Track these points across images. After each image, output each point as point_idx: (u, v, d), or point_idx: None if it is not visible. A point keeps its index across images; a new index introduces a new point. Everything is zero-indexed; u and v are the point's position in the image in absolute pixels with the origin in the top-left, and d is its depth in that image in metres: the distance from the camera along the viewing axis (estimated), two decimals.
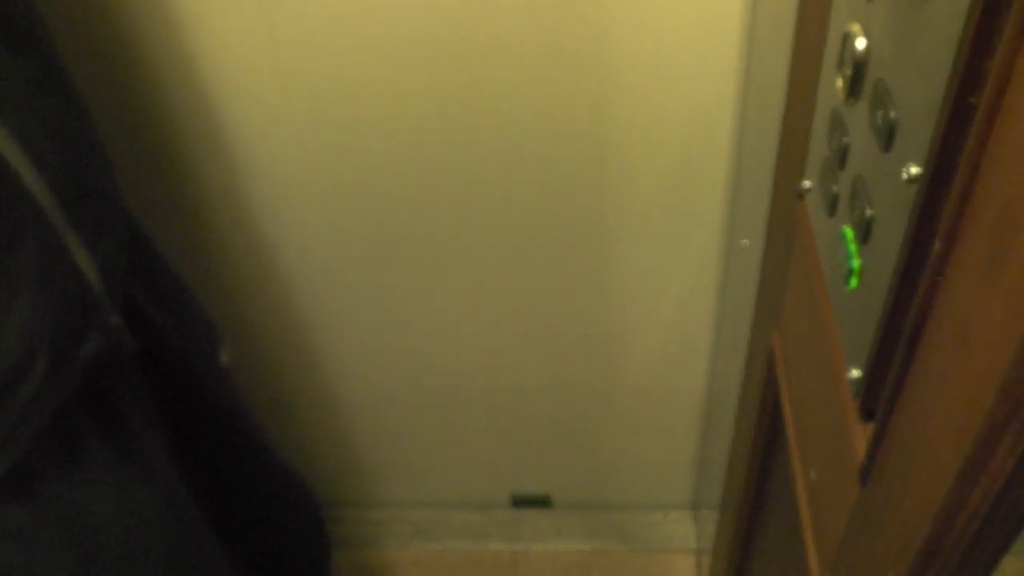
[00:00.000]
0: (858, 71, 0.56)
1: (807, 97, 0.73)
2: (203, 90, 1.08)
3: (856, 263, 0.57)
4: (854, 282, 0.58)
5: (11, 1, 0.71)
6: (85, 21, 1.03)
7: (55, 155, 0.72)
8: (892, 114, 0.49)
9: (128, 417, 0.84)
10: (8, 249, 0.68)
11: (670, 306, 1.33)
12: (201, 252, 1.28)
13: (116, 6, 1.02)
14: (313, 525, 1.32)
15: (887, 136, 0.50)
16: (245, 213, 1.23)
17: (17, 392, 0.70)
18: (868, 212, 0.54)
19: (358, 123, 1.12)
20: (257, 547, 1.20)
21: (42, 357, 0.71)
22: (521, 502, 1.74)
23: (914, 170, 0.46)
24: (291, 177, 1.19)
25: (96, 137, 0.82)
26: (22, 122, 0.69)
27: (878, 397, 0.55)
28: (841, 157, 0.61)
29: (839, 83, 0.60)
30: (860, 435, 0.59)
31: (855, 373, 0.58)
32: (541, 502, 1.73)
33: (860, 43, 0.56)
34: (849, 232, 0.59)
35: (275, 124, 1.12)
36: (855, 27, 0.57)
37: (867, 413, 0.58)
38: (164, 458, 0.90)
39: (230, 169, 1.18)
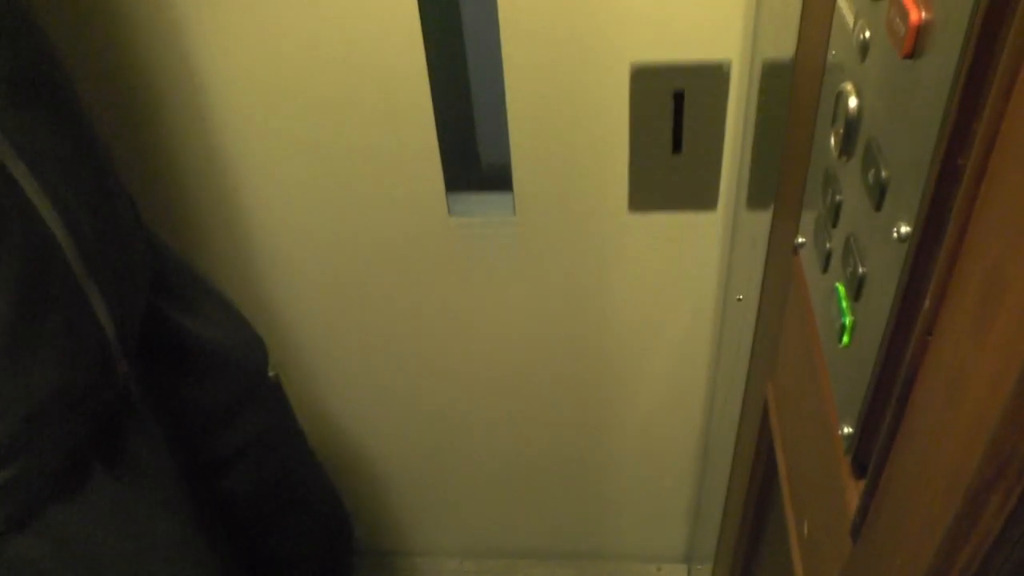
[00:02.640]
0: (850, 130, 0.57)
1: (802, 153, 0.74)
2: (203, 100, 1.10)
3: (848, 320, 0.58)
4: (846, 339, 0.58)
5: (48, 70, 0.75)
6: (87, 27, 1.05)
7: (84, 217, 0.74)
8: (883, 173, 0.50)
9: (137, 450, 0.85)
10: (39, 301, 0.70)
11: (666, 358, 1.33)
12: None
13: (118, 10, 1.04)
14: (341, 521, 1.32)
15: (878, 194, 0.51)
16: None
17: (36, 444, 0.72)
18: (860, 269, 0.55)
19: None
20: (287, 547, 1.21)
21: (62, 411, 0.73)
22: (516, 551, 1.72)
23: (904, 229, 0.46)
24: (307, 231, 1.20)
25: (123, 199, 0.85)
26: (56, 184, 0.71)
27: (870, 453, 0.55)
28: (834, 214, 0.61)
29: (832, 141, 0.61)
30: (852, 491, 0.59)
31: (847, 429, 0.58)
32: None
33: (852, 102, 0.57)
34: (842, 289, 0.59)
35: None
36: (848, 86, 0.58)
37: (859, 469, 0.58)
38: (177, 488, 0.90)
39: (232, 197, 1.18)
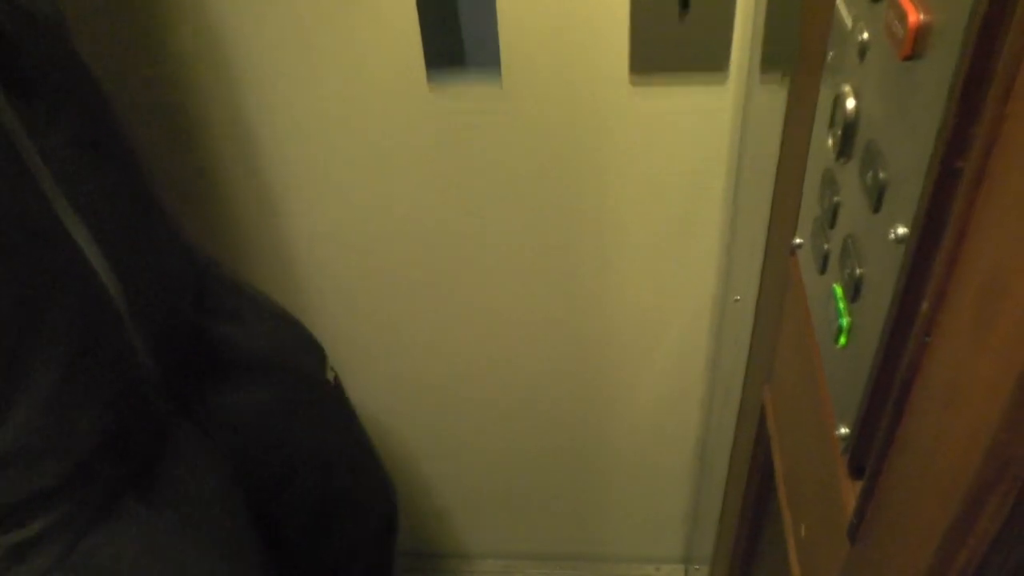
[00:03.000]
0: (848, 131, 0.57)
1: (800, 155, 0.74)
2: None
3: (846, 321, 0.58)
4: (844, 340, 0.58)
5: (104, 119, 0.76)
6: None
7: (131, 261, 0.76)
8: (881, 175, 0.50)
9: (179, 477, 0.85)
10: (90, 352, 0.71)
11: (663, 360, 1.33)
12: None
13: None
14: (390, 510, 1.32)
15: (876, 196, 0.51)
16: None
17: (83, 486, 0.73)
18: (858, 271, 0.55)
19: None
20: (342, 551, 1.20)
21: (105, 450, 0.74)
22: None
23: (902, 231, 0.46)
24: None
25: (170, 235, 0.86)
26: (105, 230, 0.72)
27: (867, 455, 0.55)
28: (832, 215, 0.61)
29: (830, 143, 0.61)
30: (849, 492, 0.59)
31: (844, 430, 0.58)
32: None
33: (850, 104, 0.57)
34: (839, 290, 0.59)
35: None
36: (846, 88, 0.58)
37: (856, 470, 0.58)
38: (225, 514, 0.90)
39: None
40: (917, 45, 0.45)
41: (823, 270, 0.64)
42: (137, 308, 0.76)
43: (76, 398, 0.70)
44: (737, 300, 1.12)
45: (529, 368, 1.37)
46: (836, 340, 0.59)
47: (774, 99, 0.91)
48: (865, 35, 0.55)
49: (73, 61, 0.75)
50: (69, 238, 0.69)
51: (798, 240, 0.73)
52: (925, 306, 0.44)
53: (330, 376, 1.07)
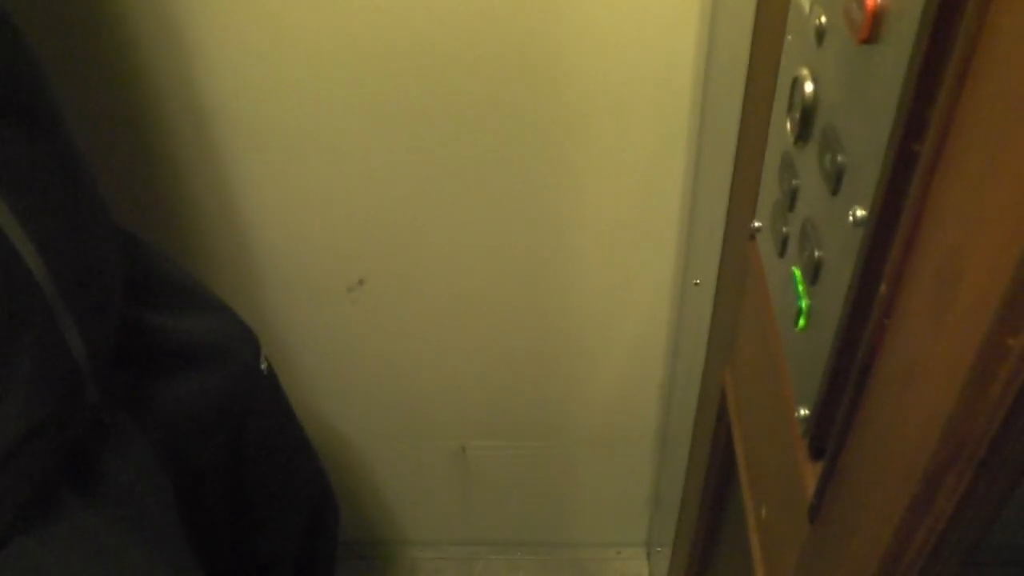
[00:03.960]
0: (807, 115, 0.57)
1: (759, 139, 0.74)
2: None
3: (805, 303, 0.58)
4: (803, 322, 0.59)
5: (27, 84, 0.72)
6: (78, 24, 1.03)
7: (59, 240, 0.72)
8: (840, 158, 0.50)
9: (113, 472, 0.83)
10: (11, 337, 0.68)
11: (623, 344, 1.33)
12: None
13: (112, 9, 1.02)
14: (324, 495, 1.31)
15: (835, 179, 0.51)
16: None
17: (7, 479, 0.70)
18: (816, 253, 0.55)
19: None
20: (277, 542, 1.20)
21: (32, 443, 0.71)
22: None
23: (860, 213, 0.46)
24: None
25: (101, 216, 0.82)
26: (29, 207, 0.69)
27: (827, 436, 0.55)
28: (791, 199, 0.62)
29: (789, 126, 0.61)
30: (810, 473, 0.59)
31: (804, 412, 0.58)
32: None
33: (808, 87, 0.57)
34: (798, 273, 0.59)
35: None
36: (804, 71, 0.58)
37: (816, 452, 0.58)
38: (162, 506, 0.88)
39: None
40: (875, 29, 0.45)
41: (782, 253, 0.65)
42: (64, 287, 0.72)
43: None
44: (697, 284, 1.13)
45: (487, 352, 1.37)
46: (795, 323, 0.59)
47: (735, 78, 0.92)
48: (823, 19, 0.55)
49: None
50: None
51: (757, 224, 0.74)
52: (883, 288, 0.45)
53: (263, 366, 1.06)
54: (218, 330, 1.01)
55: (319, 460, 1.24)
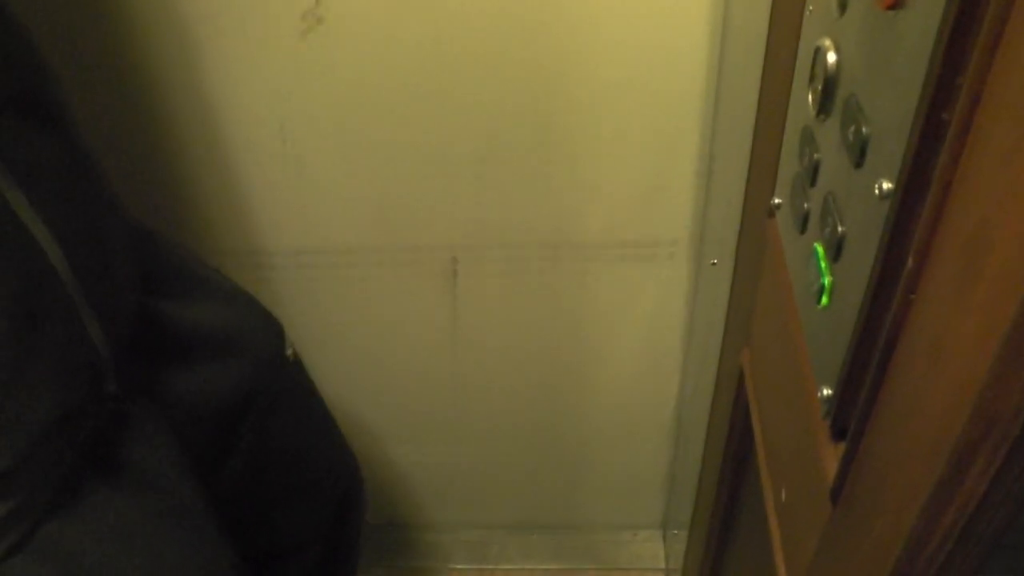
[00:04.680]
0: (829, 87, 0.56)
1: (778, 113, 0.72)
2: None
3: (827, 280, 0.57)
4: (825, 300, 0.57)
5: (40, 82, 0.73)
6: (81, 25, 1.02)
7: (78, 235, 0.73)
8: (864, 130, 0.49)
9: (137, 458, 0.83)
10: (33, 327, 0.69)
11: (640, 325, 1.32)
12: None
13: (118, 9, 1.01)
14: (349, 482, 1.31)
15: (859, 152, 0.50)
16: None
17: (35, 470, 0.71)
18: (839, 229, 0.54)
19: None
20: (302, 526, 1.19)
21: (57, 433, 0.73)
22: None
23: (886, 186, 0.45)
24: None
25: (115, 209, 0.83)
26: (50, 203, 0.70)
27: (849, 416, 0.54)
28: (812, 174, 0.60)
29: (810, 98, 0.60)
30: (831, 455, 0.58)
31: (826, 392, 0.57)
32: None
33: (831, 58, 0.55)
34: (820, 249, 0.58)
35: None
36: (826, 42, 0.56)
37: (838, 433, 0.57)
38: (187, 490, 0.88)
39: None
40: None
41: (803, 230, 0.63)
42: (86, 284, 0.74)
43: (22, 368, 0.68)
44: (714, 264, 1.12)
45: (502, 336, 1.36)
46: (817, 301, 0.58)
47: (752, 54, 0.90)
48: None
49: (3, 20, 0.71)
50: (7, 208, 0.66)
51: (777, 200, 0.72)
52: (910, 262, 0.44)
53: (289, 353, 1.06)
54: (239, 318, 1.01)
55: (348, 449, 1.24)
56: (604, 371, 1.40)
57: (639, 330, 1.33)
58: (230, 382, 0.98)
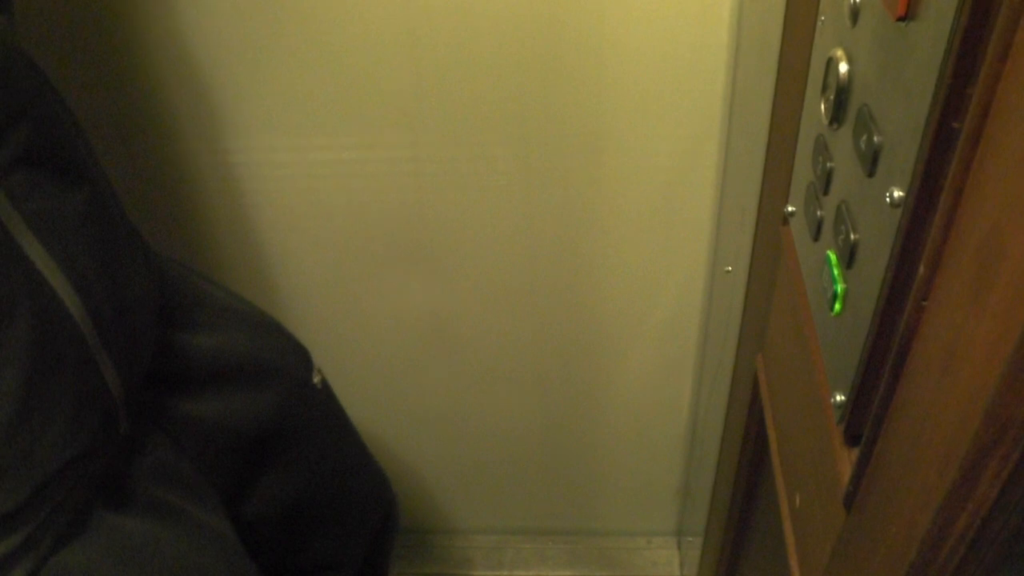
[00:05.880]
0: (841, 96, 0.57)
1: (791, 122, 0.73)
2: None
3: (840, 287, 0.57)
4: (838, 307, 0.58)
5: (62, 136, 0.74)
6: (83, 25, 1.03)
7: (96, 281, 0.74)
8: (876, 139, 0.49)
9: (140, 483, 0.84)
10: (50, 374, 0.70)
11: (654, 332, 1.32)
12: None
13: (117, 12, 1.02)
14: (386, 508, 1.31)
15: (871, 161, 0.50)
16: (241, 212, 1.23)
17: (45, 508, 0.72)
18: (852, 236, 0.54)
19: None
20: (335, 549, 1.19)
21: (69, 472, 0.73)
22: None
23: (898, 194, 0.46)
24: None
25: (137, 252, 0.84)
26: (67, 251, 0.71)
27: (863, 422, 0.54)
28: (825, 182, 0.61)
29: (823, 108, 0.60)
30: (845, 460, 0.58)
31: (839, 398, 0.58)
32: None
33: (843, 68, 0.56)
34: (833, 256, 0.58)
35: None
36: (838, 52, 0.57)
37: (852, 438, 0.58)
38: (210, 520, 0.89)
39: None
40: (912, 4, 0.44)
41: (817, 237, 0.64)
42: (102, 327, 0.75)
43: (37, 414, 0.69)
44: (729, 271, 1.12)
45: (519, 342, 1.37)
46: (831, 308, 0.59)
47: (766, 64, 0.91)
48: None
49: (27, 72, 0.72)
50: (24, 258, 0.67)
51: (791, 208, 0.73)
52: (922, 270, 0.44)
53: (317, 380, 1.06)
54: (265, 346, 1.01)
55: (383, 476, 1.24)
56: (620, 377, 1.41)
57: (655, 336, 1.33)
58: (257, 409, 0.98)
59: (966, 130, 0.39)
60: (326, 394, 1.10)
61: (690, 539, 1.61)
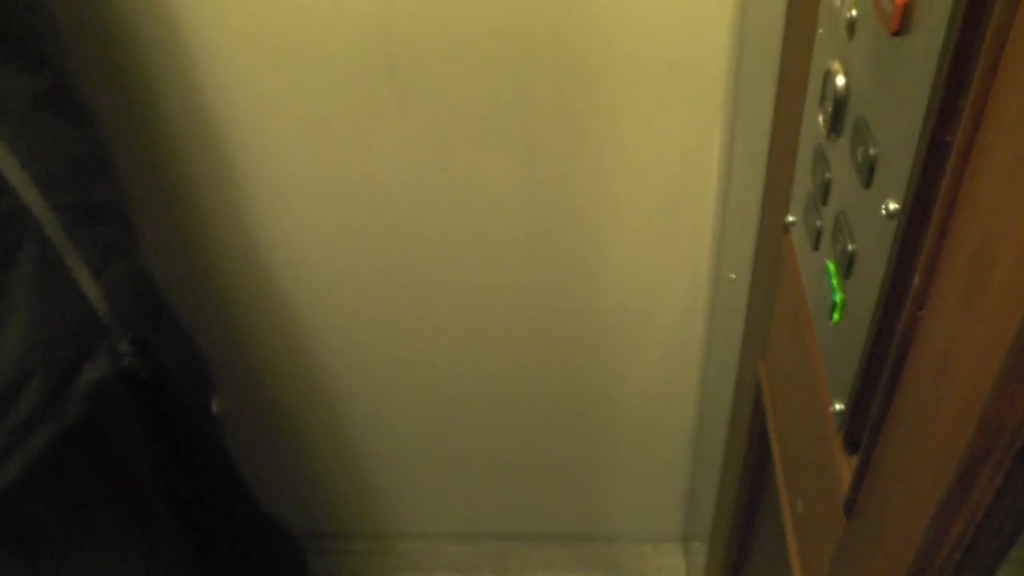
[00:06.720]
0: (839, 108, 0.57)
1: (792, 133, 0.74)
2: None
3: (839, 297, 0.58)
4: (837, 315, 0.58)
5: (24, 18, 0.72)
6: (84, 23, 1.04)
7: (58, 173, 0.72)
8: (872, 150, 0.50)
9: (132, 471, 0.83)
10: (4, 263, 0.68)
11: (659, 340, 1.33)
12: (194, 255, 1.28)
13: (116, 8, 1.03)
14: (295, 568, 1.30)
15: (867, 172, 0.51)
16: (241, 217, 1.24)
17: (9, 412, 0.69)
18: (850, 247, 0.55)
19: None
20: None
21: (38, 377, 0.71)
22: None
23: (893, 205, 0.46)
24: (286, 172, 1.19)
25: (108, 160, 0.81)
26: (21, 137, 0.69)
27: (862, 429, 0.55)
28: (824, 192, 0.62)
29: (821, 119, 0.61)
30: (845, 467, 0.59)
31: (839, 406, 0.58)
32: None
33: (840, 80, 0.57)
34: (832, 266, 0.59)
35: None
36: (835, 65, 0.58)
37: (851, 445, 0.58)
38: (165, 511, 0.88)
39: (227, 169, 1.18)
40: (906, 20, 0.45)
41: (816, 247, 0.64)
42: (69, 226, 0.72)
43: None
44: (732, 278, 1.13)
45: (523, 349, 1.37)
46: (830, 316, 0.59)
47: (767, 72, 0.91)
48: (854, 11, 0.55)
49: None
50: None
51: (791, 218, 0.73)
52: (917, 279, 0.45)
53: (215, 408, 1.04)
54: (186, 362, 0.99)
55: (263, 512, 1.21)
56: (624, 384, 1.41)
57: (658, 343, 1.34)
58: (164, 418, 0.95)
59: (958, 142, 0.40)
60: (220, 424, 1.06)
61: (695, 545, 1.61)
